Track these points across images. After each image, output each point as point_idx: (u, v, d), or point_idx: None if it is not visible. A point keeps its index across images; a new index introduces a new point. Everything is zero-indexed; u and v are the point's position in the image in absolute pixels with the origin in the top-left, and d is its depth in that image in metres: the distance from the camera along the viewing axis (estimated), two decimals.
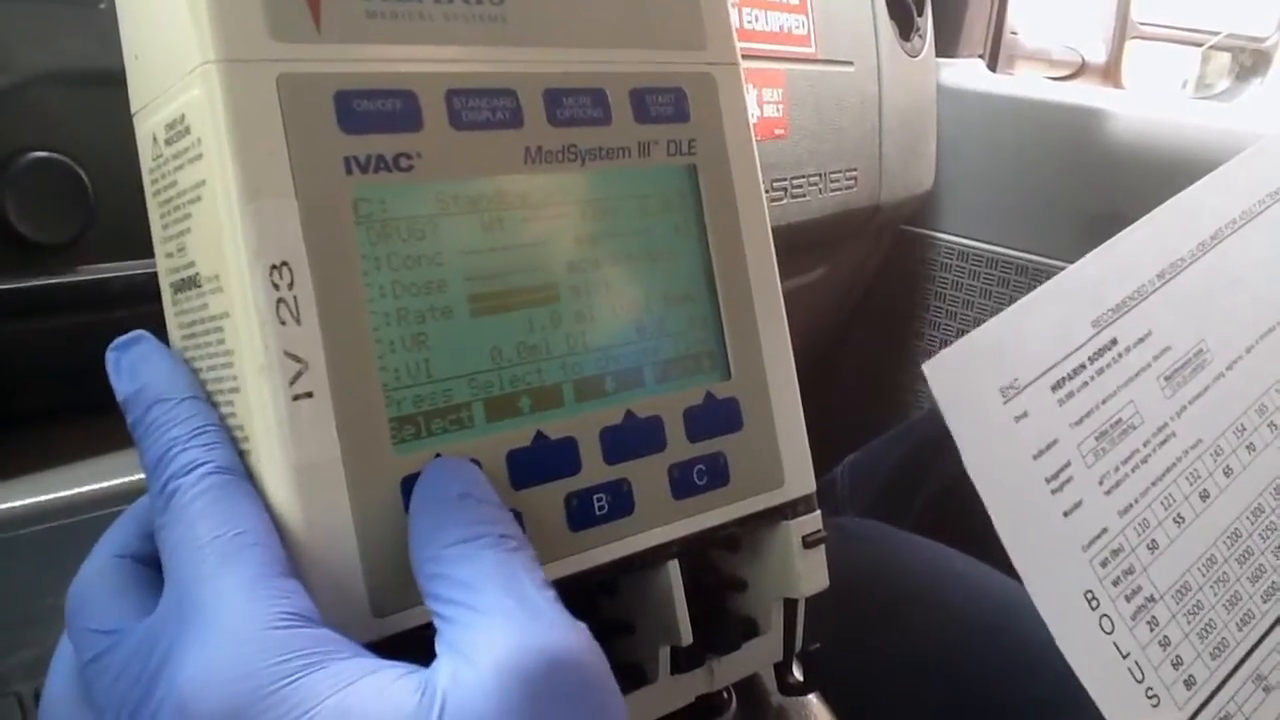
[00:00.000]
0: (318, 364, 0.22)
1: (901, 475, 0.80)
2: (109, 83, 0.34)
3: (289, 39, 0.23)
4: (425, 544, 0.21)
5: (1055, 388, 0.32)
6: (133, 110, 0.26)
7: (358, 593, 0.22)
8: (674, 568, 0.27)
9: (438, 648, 0.20)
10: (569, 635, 0.19)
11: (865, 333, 0.99)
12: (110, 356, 0.25)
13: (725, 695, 0.32)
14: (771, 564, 0.30)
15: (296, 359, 0.22)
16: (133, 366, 0.24)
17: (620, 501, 0.26)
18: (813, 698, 0.35)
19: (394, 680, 0.19)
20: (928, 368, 0.31)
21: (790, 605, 0.31)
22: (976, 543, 0.59)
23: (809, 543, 0.30)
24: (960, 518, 0.66)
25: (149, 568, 0.23)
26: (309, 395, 0.22)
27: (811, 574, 0.30)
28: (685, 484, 0.28)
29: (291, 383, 0.22)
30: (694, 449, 0.28)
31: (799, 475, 0.30)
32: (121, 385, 0.24)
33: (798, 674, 0.32)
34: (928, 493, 0.77)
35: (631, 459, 0.27)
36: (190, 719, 0.18)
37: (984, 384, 0.31)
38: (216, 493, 0.21)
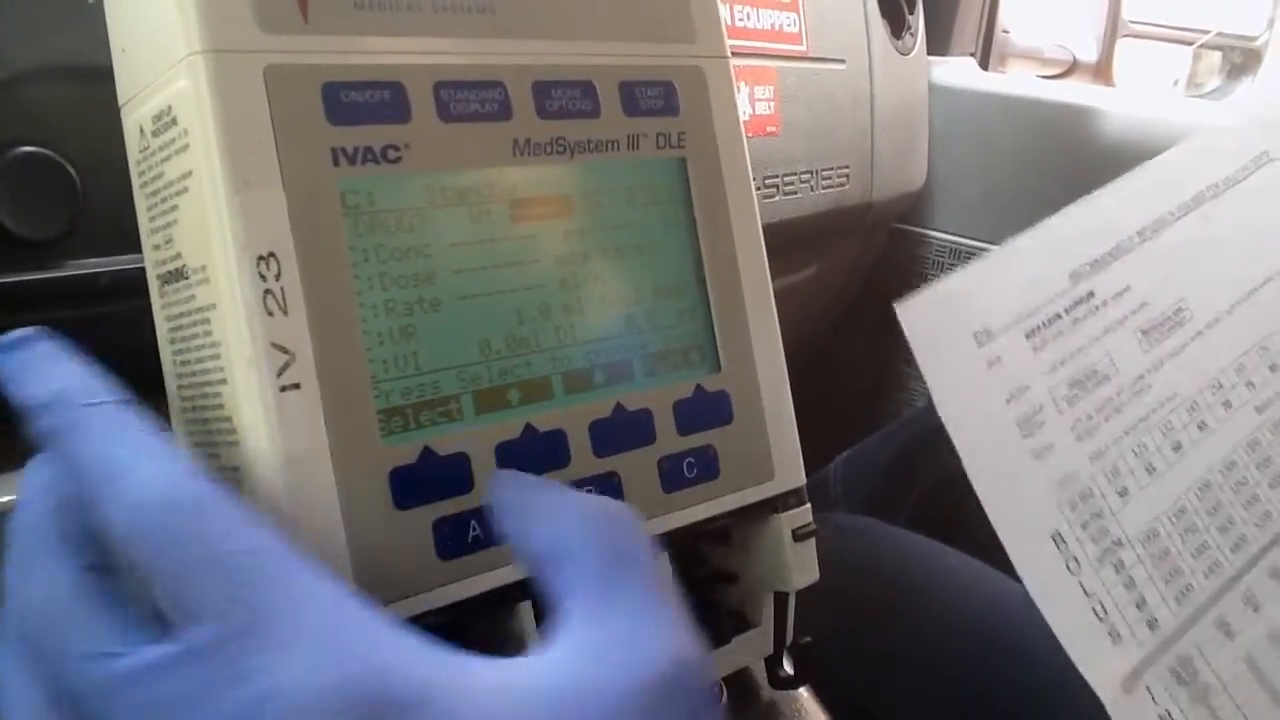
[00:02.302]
0: (305, 355, 0.22)
1: (895, 472, 0.80)
2: (98, 78, 0.34)
3: (276, 30, 0.23)
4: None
5: (1029, 335, 0.32)
6: (120, 102, 0.26)
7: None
8: (664, 560, 0.27)
9: (557, 635, 0.20)
10: (688, 640, 0.20)
11: (858, 330, 0.99)
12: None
13: (715, 689, 0.32)
14: (762, 557, 0.30)
15: (284, 350, 0.22)
16: (38, 367, 0.22)
17: (610, 494, 0.26)
18: (804, 692, 0.35)
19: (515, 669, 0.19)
20: (900, 308, 0.30)
21: (781, 599, 0.31)
22: (970, 539, 0.59)
23: (799, 536, 0.30)
24: (954, 514, 0.67)
25: (110, 577, 0.21)
26: (296, 386, 0.22)
27: (802, 567, 0.30)
28: (675, 477, 0.28)
29: (279, 374, 0.22)
30: (684, 442, 0.28)
31: (789, 468, 0.30)
32: (30, 388, 0.21)
33: (788, 668, 0.32)
34: (921, 489, 0.77)
35: (621, 452, 0.27)
36: None
37: (956, 328, 0.32)
38: (222, 504, 0.19)
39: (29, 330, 0.22)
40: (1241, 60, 1.20)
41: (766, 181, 0.69)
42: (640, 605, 0.20)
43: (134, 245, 0.26)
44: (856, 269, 0.95)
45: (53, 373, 0.21)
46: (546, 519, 0.22)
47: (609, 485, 0.26)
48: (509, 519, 0.23)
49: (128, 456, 0.20)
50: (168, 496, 0.19)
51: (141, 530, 0.19)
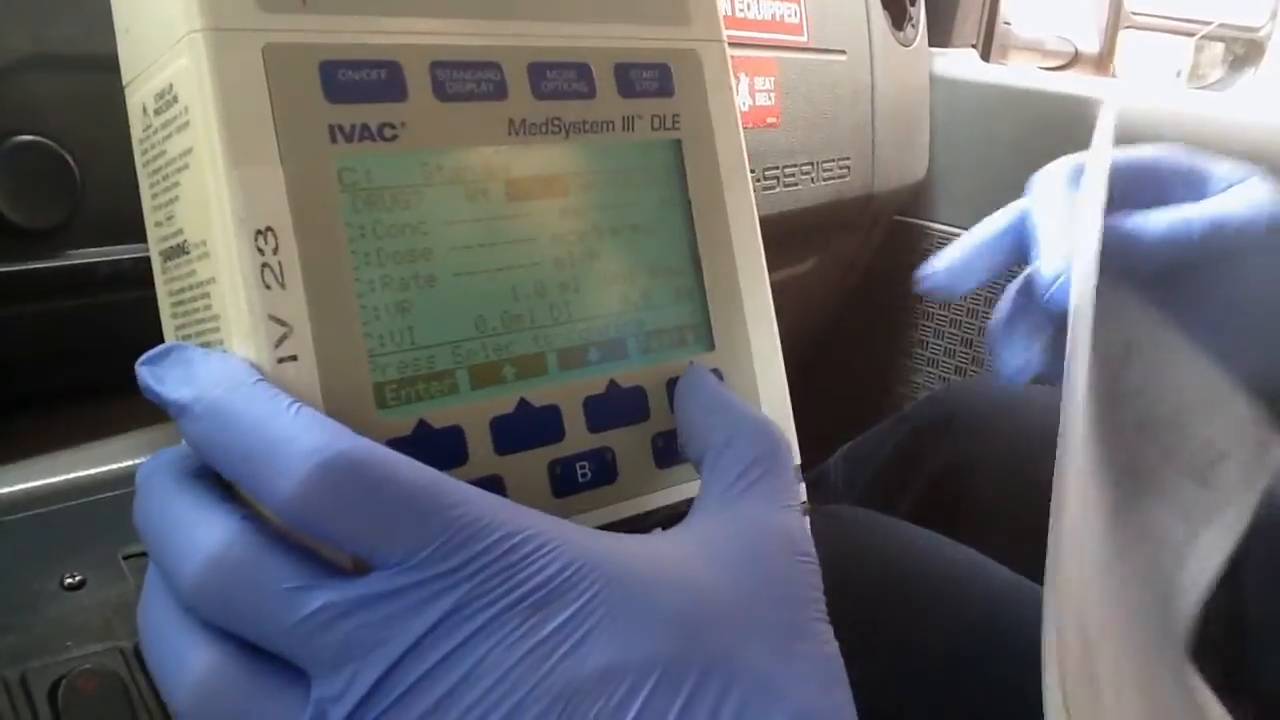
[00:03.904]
0: (302, 328, 0.23)
1: (895, 465, 0.80)
2: (96, 67, 0.34)
3: (275, 9, 0.23)
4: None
5: None
6: (124, 82, 0.26)
7: (342, 555, 0.23)
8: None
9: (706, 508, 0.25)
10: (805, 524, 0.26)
11: (859, 323, 1.00)
12: (146, 369, 0.23)
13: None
14: None
15: (281, 323, 0.22)
16: (178, 371, 0.22)
17: (603, 469, 0.27)
18: None
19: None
20: None
21: None
22: (969, 531, 0.59)
23: None
24: (954, 507, 0.67)
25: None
26: (294, 358, 0.22)
27: None
28: (669, 453, 0.28)
29: (276, 345, 0.22)
30: None
31: None
32: (172, 390, 0.22)
33: None
34: (921, 482, 0.77)
35: (615, 428, 0.27)
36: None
37: None
38: (382, 453, 0.21)
39: (170, 343, 0.24)
40: (1244, 51, 1.20)
41: (767, 173, 0.69)
42: (775, 495, 0.26)
43: (132, 235, 0.26)
44: (857, 261, 0.95)
45: (192, 372, 0.22)
46: (724, 418, 0.27)
47: (602, 460, 0.27)
48: (691, 409, 0.27)
49: (280, 428, 0.21)
50: (335, 456, 0.20)
51: (318, 491, 0.20)
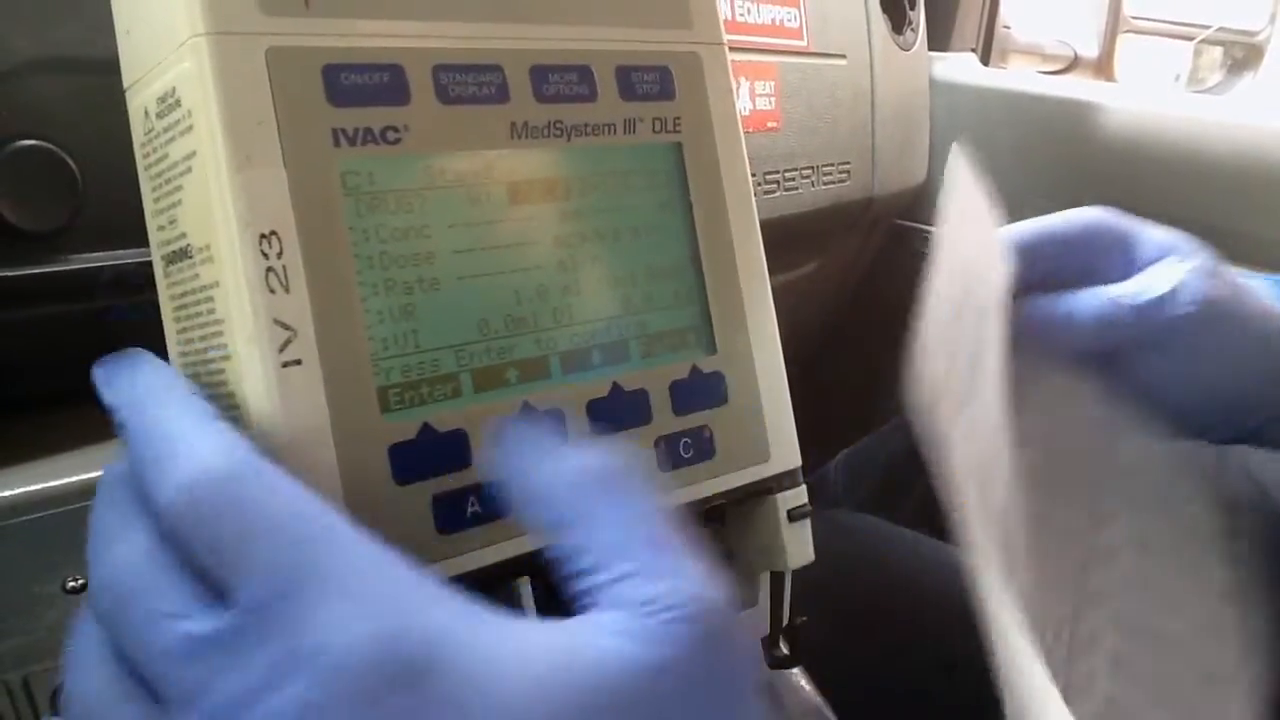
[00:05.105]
0: (306, 332, 0.23)
1: (896, 470, 0.80)
2: (98, 71, 0.34)
3: (278, 13, 0.23)
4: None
5: None
6: (125, 86, 0.26)
7: None
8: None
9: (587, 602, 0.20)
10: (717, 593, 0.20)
11: (860, 327, 1.00)
12: (99, 372, 0.24)
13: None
14: (757, 537, 0.31)
15: (285, 327, 0.22)
16: (123, 374, 0.23)
17: None
18: (798, 671, 0.36)
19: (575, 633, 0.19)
20: None
21: (777, 579, 0.31)
22: None
23: (795, 516, 0.30)
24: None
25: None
26: (298, 363, 0.22)
27: (798, 547, 0.30)
28: (671, 457, 0.28)
29: (281, 350, 0.22)
30: (680, 422, 0.28)
31: (784, 449, 0.30)
32: (112, 390, 0.23)
33: (784, 648, 0.32)
34: (923, 487, 0.77)
35: (617, 431, 0.27)
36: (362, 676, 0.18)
37: None
38: (265, 473, 0.20)
39: (131, 350, 0.24)
40: (1243, 55, 1.20)
41: (767, 177, 0.69)
42: (663, 564, 0.20)
43: (134, 239, 0.26)
44: (857, 265, 0.95)
45: (133, 376, 0.23)
46: (549, 487, 0.21)
47: None
48: (514, 492, 0.22)
49: (174, 433, 0.20)
50: (212, 468, 0.20)
51: (188, 502, 0.19)
